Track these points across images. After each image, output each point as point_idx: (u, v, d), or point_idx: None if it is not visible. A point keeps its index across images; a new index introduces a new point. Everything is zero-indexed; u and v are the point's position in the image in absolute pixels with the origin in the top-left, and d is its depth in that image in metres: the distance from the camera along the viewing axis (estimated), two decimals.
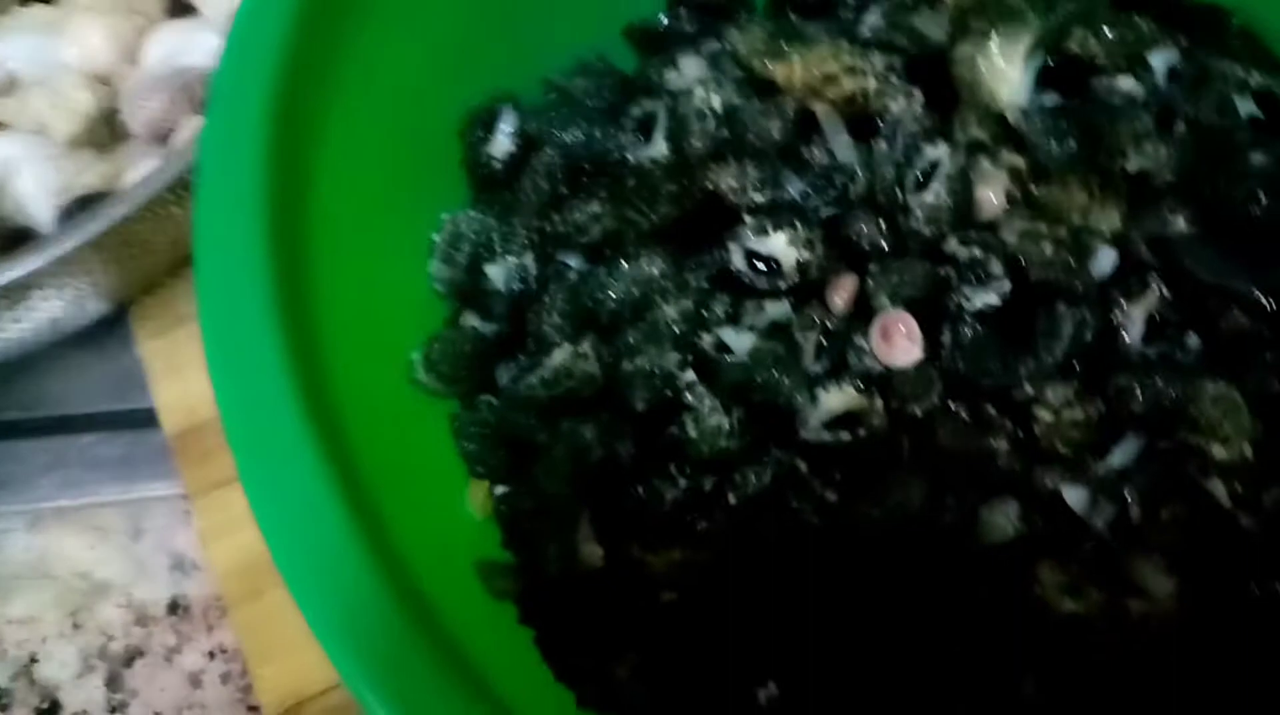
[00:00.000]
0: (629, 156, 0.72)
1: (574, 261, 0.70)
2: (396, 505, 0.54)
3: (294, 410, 0.51)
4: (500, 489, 0.65)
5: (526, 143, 0.73)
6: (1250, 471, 0.57)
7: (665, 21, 0.83)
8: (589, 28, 0.82)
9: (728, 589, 0.59)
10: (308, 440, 0.50)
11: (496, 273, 0.68)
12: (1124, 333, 0.61)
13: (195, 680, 0.80)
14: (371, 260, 0.65)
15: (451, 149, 0.74)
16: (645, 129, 0.73)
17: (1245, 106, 0.70)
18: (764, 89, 0.72)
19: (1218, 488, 0.58)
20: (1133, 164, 0.63)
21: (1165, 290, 0.61)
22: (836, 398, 0.60)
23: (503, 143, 0.73)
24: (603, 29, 0.82)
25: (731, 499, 0.61)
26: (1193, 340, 0.62)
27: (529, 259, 0.68)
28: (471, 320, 0.67)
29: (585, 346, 0.61)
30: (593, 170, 0.72)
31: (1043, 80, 0.70)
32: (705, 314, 0.64)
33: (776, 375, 0.59)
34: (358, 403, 0.57)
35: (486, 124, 0.73)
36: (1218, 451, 0.56)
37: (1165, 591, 0.55)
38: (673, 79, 0.76)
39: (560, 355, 0.61)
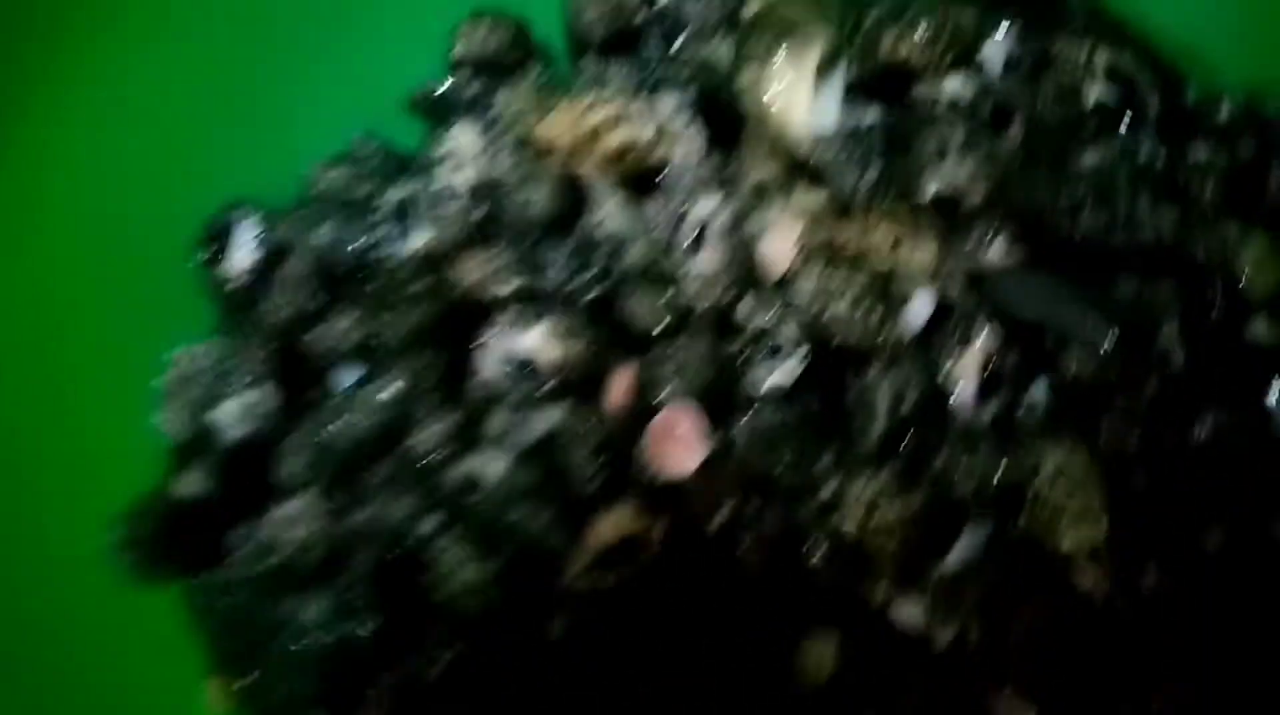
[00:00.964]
0: (387, 252, 0.61)
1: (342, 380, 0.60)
2: None
3: None
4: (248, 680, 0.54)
5: (272, 252, 0.63)
6: (1113, 554, 0.46)
7: (444, 85, 0.72)
8: (362, 103, 0.71)
9: None
10: None
11: (229, 412, 0.57)
12: (953, 396, 0.51)
13: None
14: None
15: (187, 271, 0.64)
16: (404, 219, 0.63)
17: (1094, 90, 0.60)
18: (539, 153, 0.62)
19: (1084, 579, 0.47)
20: (930, 188, 0.53)
21: (995, 337, 0.50)
22: (610, 524, 0.49)
23: (241, 257, 0.63)
24: (378, 103, 0.72)
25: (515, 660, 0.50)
26: (1039, 390, 0.51)
27: (258, 395, 0.57)
28: (188, 482, 0.56)
29: (297, 506, 0.50)
30: (346, 276, 0.62)
31: (863, 94, 0.60)
32: (463, 437, 0.54)
33: (527, 512, 0.48)
34: None
35: (219, 237, 0.63)
36: (1067, 540, 0.45)
37: None
38: (445, 152, 0.66)
39: (271, 520, 0.50)
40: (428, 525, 0.50)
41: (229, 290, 0.62)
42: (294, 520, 0.50)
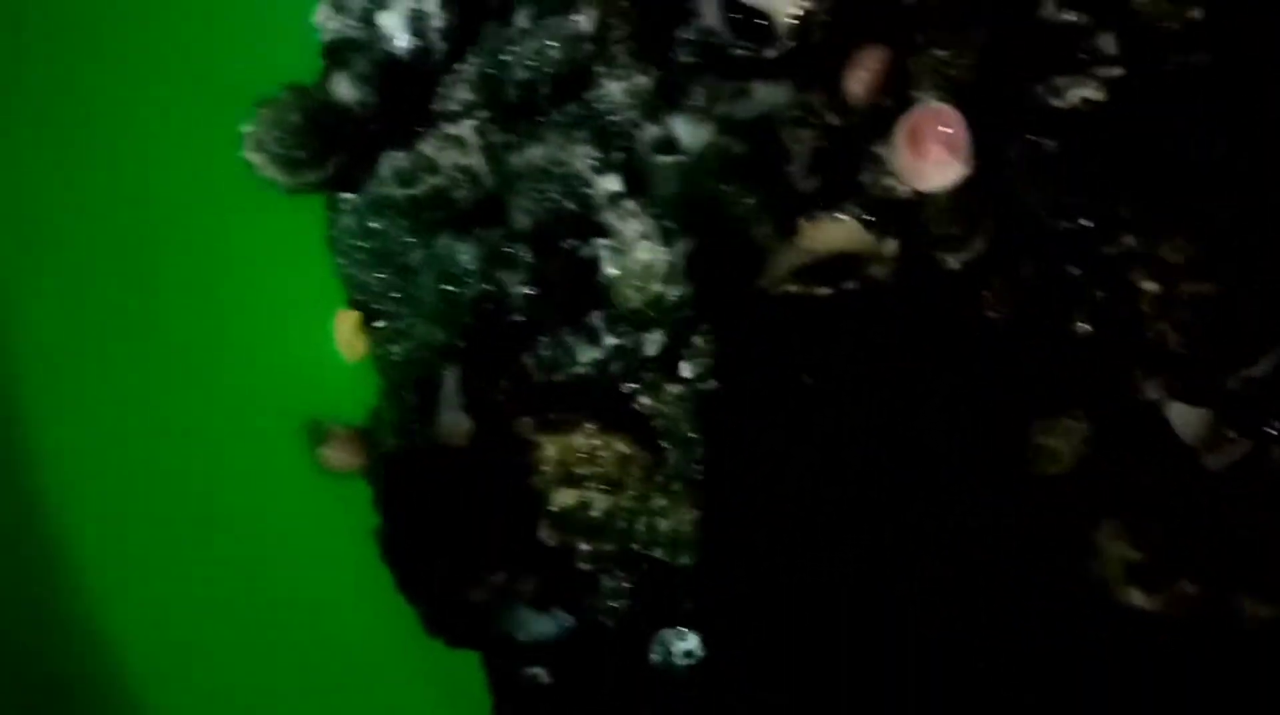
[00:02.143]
0: None
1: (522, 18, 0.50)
2: None
3: None
4: (380, 323, 0.48)
5: None
6: None
7: None
8: None
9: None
10: None
11: (391, 22, 0.48)
12: None
13: None
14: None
15: None
16: None
17: None
18: None
19: None
20: None
21: None
22: (830, 231, 0.40)
23: None
24: None
25: (685, 371, 0.43)
26: None
27: (433, 6, 0.48)
28: (341, 85, 0.48)
29: (462, 127, 0.42)
30: None
31: None
32: (663, 97, 0.44)
33: (731, 189, 0.39)
34: None
35: None
36: None
37: None
38: None
39: (433, 137, 0.42)
40: (609, 183, 0.41)
41: None
42: (459, 141, 0.42)
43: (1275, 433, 0.36)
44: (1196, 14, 0.38)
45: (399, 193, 0.43)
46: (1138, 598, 0.34)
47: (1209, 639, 0.34)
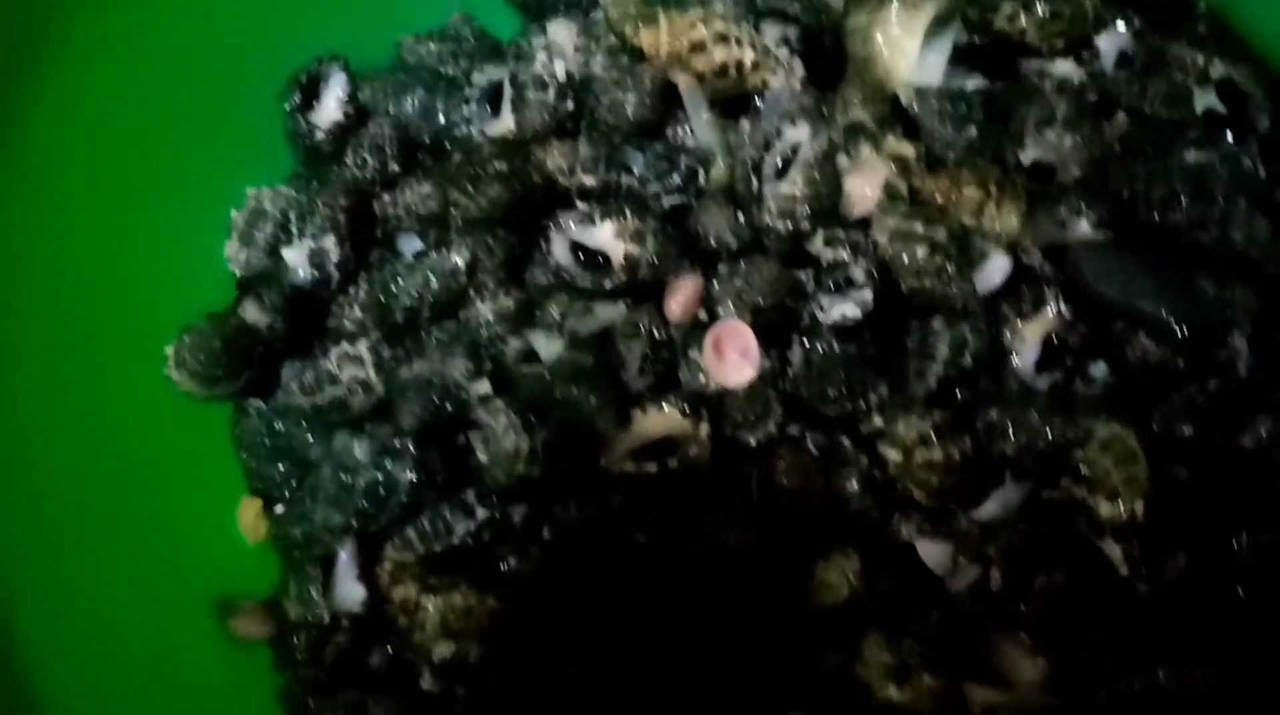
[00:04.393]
0: (471, 131, 0.62)
1: (407, 247, 0.61)
2: None
3: None
4: (280, 509, 0.56)
5: (358, 112, 0.64)
6: (1145, 533, 0.46)
7: None
8: None
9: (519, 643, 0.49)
10: None
11: (294, 257, 0.58)
12: (1014, 357, 0.51)
13: None
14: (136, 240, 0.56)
15: (272, 115, 0.64)
16: (494, 101, 0.63)
17: (1205, 99, 0.60)
18: (636, 59, 0.62)
19: (1113, 550, 0.47)
20: (1029, 153, 0.53)
21: (1065, 308, 0.51)
22: (655, 420, 0.50)
23: (329, 109, 0.63)
24: None
25: (545, 534, 0.51)
26: (1099, 369, 0.51)
27: (329, 243, 0.58)
28: (251, 311, 0.57)
29: (359, 347, 0.51)
30: (428, 147, 0.63)
31: (967, 59, 0.59)
32: (523, 316, 0.54)
33: (578, 391, 0.49)
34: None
35: (309, 87, 0.63)
36: (1105, 509, 0.46)
37: (1029, 678, 0.45)
38: (542, 44, 0.66)
39: (329, 359, 0.51)
40: (479, 387, 0.51)
41: (312, 142, 0.63)
42: (353, 358, 0.51)
43: (1000, 561, 0.47)
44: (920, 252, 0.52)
45: (303, 400, 0.52)
46: (893, 692, 0.43)
47: None
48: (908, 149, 0.55)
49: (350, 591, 0.50)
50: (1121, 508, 0.45)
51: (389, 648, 0.51)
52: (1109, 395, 0.50)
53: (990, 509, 0.48)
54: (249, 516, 0.55)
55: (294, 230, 0.58)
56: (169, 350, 0.54)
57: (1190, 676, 0.44)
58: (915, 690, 0.42)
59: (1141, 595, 0.47)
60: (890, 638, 0.44)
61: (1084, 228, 0.51)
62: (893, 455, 0.47)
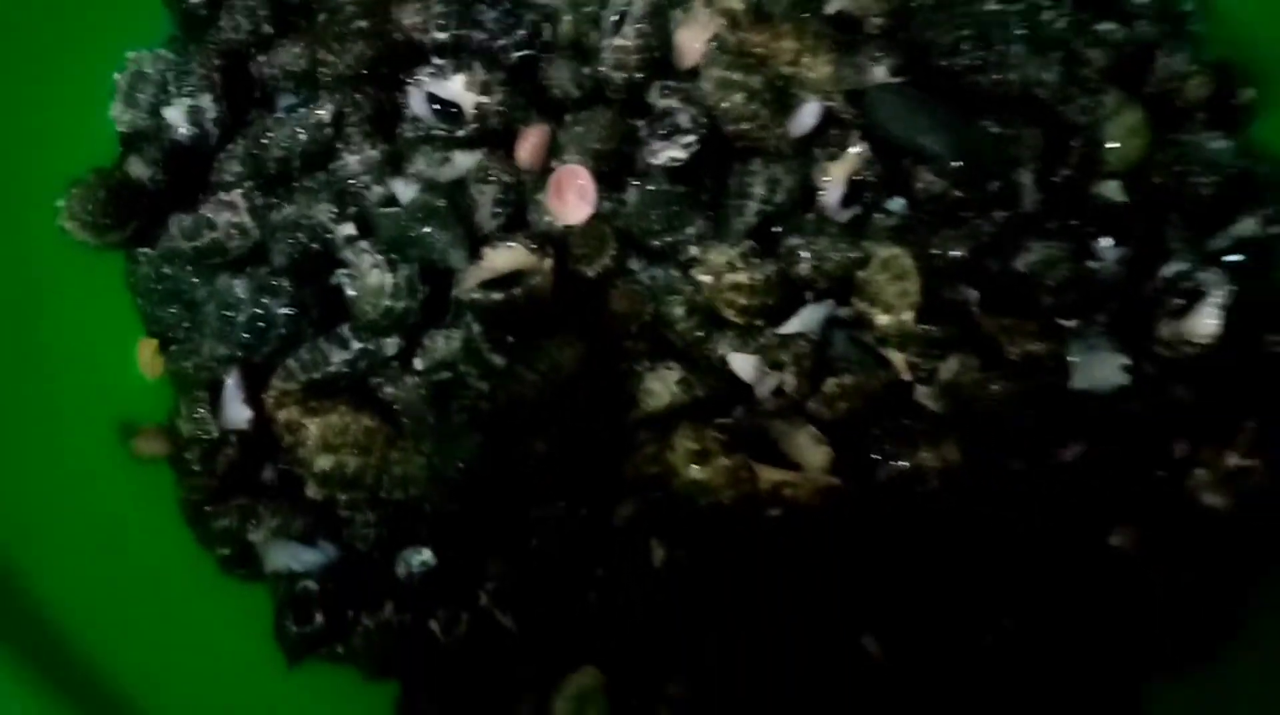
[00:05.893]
0: None
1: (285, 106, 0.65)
2: None
3: None
4: (174, 347, 0.62)
5: None
6: (920, 341, 0.54)
7: None
8: None
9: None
10: None
11: (174, 115, 0.62)
12: (821, 194, 0.57)
13: None
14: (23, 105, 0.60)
15: None
16: None
17: None
18: None
19: (895, 357, 0.55)
20: (834, 4, 0.58)
21: (865, 148, 0.57)
22: (504, 255, 0.56)
23: None
24: None
25: (418, 365, 0.58)
26: (896, 204, 0.58)
27: (207, 101, 0.62)
28: (136, 166, 0.61)
29: (234, 194, 0.56)
30: (297, 7, 0.66)
31: None
32: (388, 166, 0.60)
33: (431, 230, 0.55)
34: None
35: None
36: (881, 319, 0.53)
37: (816, 462, 0.53)
38: None
39: (209, 204, 0.56)
40: (345, 229, 0.57)
41: (188, 5, 0.66)
42: (230, 205, 0.56)
43: (796, 367, 0.54)
44: (739, 100, 0.57)
45: (186, 245, 0.57)
46: (695, 471, 0.51)
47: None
48: (735, 3, 0.60)
49: (237, 412, 0.57)
50: (895, 318, 0.53)
51: (277, 465, 0.58)
52: (902, 226, 0.57)
53: (794, 325, 0.56)
54: (146, 355, 0.61)
55: (172, 90, 0.63)
56: (60, 203, 0.59)
57: (950, 455, 0.52)
58: (714, 469, 0.50)
59: (918, 399, 0.55)
60: (696, 429, 0.52)
61: (880, 73, 0.57)
62: (706, 279, 0.54)
